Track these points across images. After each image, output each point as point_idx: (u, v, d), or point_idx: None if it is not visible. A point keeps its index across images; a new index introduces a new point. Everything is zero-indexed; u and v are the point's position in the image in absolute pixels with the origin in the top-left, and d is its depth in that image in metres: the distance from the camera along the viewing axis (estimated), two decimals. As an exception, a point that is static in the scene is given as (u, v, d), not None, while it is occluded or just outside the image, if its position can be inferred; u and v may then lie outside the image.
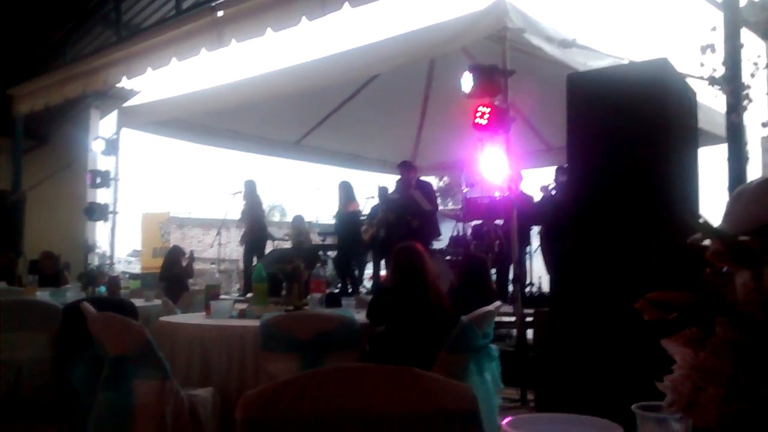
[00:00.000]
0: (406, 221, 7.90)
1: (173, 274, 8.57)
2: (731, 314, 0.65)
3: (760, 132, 5.43)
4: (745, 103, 4.45)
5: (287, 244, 10.84)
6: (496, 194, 7.48)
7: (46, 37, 10.72)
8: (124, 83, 9.58)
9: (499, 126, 5.55)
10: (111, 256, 10.10)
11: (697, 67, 4.44)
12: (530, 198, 8.02)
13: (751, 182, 1.29)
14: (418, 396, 1.35)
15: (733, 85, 4.42)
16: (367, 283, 9.78)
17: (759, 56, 4.60)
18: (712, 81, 4.39)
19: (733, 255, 0.67)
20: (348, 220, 8.95)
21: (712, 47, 4.45)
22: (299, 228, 10.05)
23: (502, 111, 5.55)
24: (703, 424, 0.66)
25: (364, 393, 1.35)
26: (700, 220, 0.70)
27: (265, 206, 10.36)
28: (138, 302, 5.36)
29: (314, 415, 1.32)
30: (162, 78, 9.79)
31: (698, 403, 0.66)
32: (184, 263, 8.95)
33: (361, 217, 9.41)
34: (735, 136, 4.70)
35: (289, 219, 13.80)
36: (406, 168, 8.33)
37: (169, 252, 9.28)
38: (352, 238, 8.87)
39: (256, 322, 3.41)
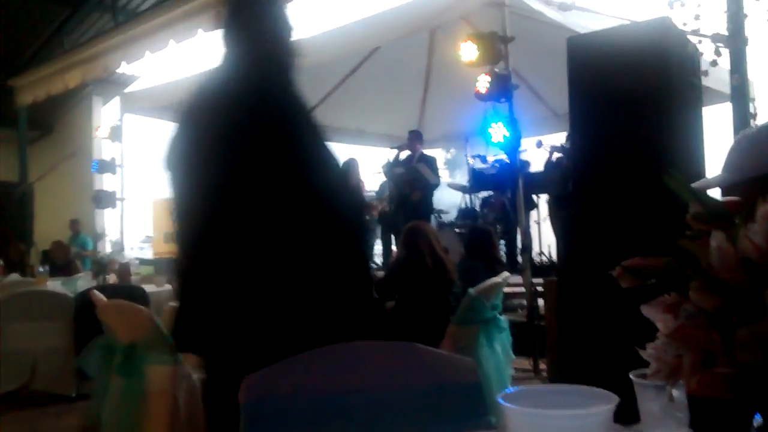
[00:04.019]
0: (408, 195, 7.89)
1: None
2: (704, 278, 0.63)
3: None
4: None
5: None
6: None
7: (44, 26, 10.68)
8: (124, 69, 9.53)
9: (502, 94, 5.49)
10: (121, 243, 10.14)
11: (693, 21, 4.30)
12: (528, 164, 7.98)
13: (752, 128, 1.26)
14: (422, 371, 1.34)
15: (736, 44, 4.31)
16: (378, 259, 9.78)
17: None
18: (715, 39, 4.29)
19: (711, 217, 0.65)
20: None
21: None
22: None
23: (504, 78, 5.49)
24: (689, 391, 0.65)
25: (367, 370, 1.35)
26: (679, 180, 0.68)
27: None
28: (149, 288, 5.39)
29: (318, 393, 1.31)
30: (162, 61, 9.74)
31: (681, 371, 0.64)
32: None
33: (368, 192, 9.38)
34: (739, 97, 4.61)
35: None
36: (415, 137, 8.28)
37: None
38: None
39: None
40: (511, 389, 0.79)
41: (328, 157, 1.88)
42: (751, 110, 4.85)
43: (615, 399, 0.75)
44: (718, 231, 0.64)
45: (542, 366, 5.05)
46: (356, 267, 1.89)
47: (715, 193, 1.20)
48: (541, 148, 8.10)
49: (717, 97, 6.62)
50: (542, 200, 8.33)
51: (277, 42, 1.92)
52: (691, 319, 0.64)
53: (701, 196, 0.68)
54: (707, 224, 0.66)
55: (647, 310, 0.70)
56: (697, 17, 4.34)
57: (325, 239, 1.80)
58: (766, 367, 0.61)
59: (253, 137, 1.77)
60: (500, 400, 0.75)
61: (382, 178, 9.33)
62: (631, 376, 0.83)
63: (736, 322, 0.62)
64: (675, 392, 0.77)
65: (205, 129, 1.83)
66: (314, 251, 1.78)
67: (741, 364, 0.61)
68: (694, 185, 1.02)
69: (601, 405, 0.73)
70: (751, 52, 4.61)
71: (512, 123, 5.61)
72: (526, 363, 5.06)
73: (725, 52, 4.49)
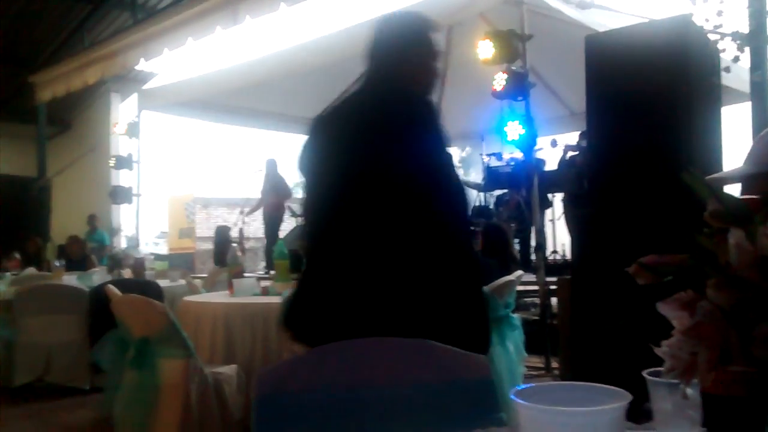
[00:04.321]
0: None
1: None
2: (722, 276, 0.62)
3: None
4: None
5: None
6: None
7: (64, 23, 10.77)
8: (143, 66, 9.61)
9: (518, 92, 5.46)
10: (136, 238, 10.22)
11: (715, 18, 4.24)
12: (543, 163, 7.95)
13: None
14: (433, 367, 1.33)
15: (757, 42, 4.25)
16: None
17: None
18: (735, 37, 4.23)
19: (729, 214, 0.64)
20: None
21: None
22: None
23: (521, 76, 5.46)
24: (703, 389, 0.64)
25: (379, 366, 1.34)
26: (697, 179, 0.67)
27: (290, 184, 10.31)
28: (163, 283, 5.42)
29: (329, 389, 1.31)
30: (180, 59, 9.82)
31: (696, 368, 0.63)
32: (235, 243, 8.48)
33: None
34: (759, 95, 4.55)
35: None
36: None
37: (217, 234, 8.74)
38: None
39: (279, 299, 3.41)
40: (523, 386, 0.78)
41: (451, 172, 1.94)
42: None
43: (628, 396, 0.74)
44: (736, 228, 0.63)
45: (554, 364, 5.02)
46: (467, 270, 1.94)
47: (733, 190, 1.18)
48: (555, 147, 8.06)
49: (737, 96, 6.55)
50: (557, 199, 8.29)
51: (421, 66, 2.01)
52: (708, 316, 0.63)
53: (720, 194, 0.67)
54: (726, 221, 0.64)
55: (663, 308, 0.69)
56: (719, 13, 4.27)
57: (441, 245, 1.86)
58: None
59: (379, 149, 1.86)
60: (513, 397, 0.74)
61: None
62: (644, 374, 0.82)
63: (754, 319, 0.61)
64: (689, 390, 0.76)
65: (336, 137, 1.95)
66: (431, 255, 1.84)
67: (758, 361, 0.60)
68: (714, 176, 1.00)
69: (614, 402, 0.72)
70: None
71: (528, 121, 5.58)
72: (538, 361, 5.04)
73: (745, 51, 4.43)
